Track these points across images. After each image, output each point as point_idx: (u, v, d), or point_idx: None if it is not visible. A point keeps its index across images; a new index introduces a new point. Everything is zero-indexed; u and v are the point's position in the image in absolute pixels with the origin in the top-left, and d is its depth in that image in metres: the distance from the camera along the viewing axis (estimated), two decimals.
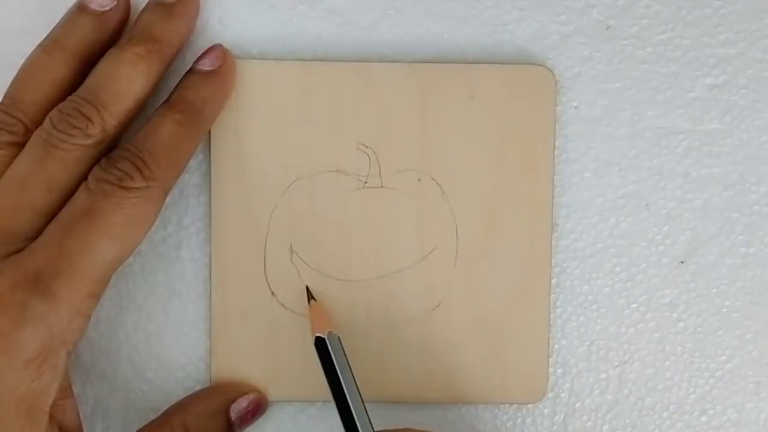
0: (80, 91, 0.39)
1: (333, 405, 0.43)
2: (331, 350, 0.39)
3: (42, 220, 0.37)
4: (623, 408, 0.44)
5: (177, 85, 0.40)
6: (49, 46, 0.39)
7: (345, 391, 0.38)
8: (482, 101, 0.42)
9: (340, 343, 0.39)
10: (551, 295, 0.43)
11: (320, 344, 0.39)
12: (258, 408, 0.42)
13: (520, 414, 0.43)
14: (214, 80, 0.40)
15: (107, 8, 0.40)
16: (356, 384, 0.39)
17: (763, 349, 0.44)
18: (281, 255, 0.42)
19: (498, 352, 0.42)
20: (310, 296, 0.42)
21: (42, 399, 0.36)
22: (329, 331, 0.39)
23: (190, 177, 0.42)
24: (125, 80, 0.39)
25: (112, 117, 0.38)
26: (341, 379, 0.38)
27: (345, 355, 0.39)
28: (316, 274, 0.42)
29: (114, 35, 0.40)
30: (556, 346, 0.44)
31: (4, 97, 0.39)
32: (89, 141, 0.38)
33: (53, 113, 0.38)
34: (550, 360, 0.43)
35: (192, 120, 0.39)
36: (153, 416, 0.41)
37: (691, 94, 0.43)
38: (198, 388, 0.43)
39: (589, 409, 0.44)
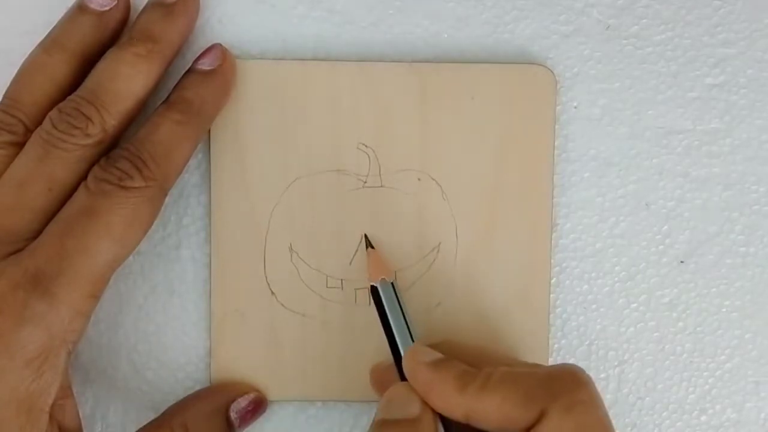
0: (80, 90, 0.39)
1: (333, 405, 0.43)
2: (382, 297, 0.40)
3: (42, 220, 0.37)
4: (623, 407, 0.44)
5: (176, 85, 0.40)
6: (49, 46, 0.39)
7: (395, 336, 0.39)
8: (482, 101, 0.42)
9: (394, 288, 0.40)
10: (551, 295, 0.43)
11: (374, 292, 0.40)
12: (258, 408, 0.42)
13: None
14: (213, 80, 0.40)
15: (107, 8, 0.40)
16: (409, 329, 0.39)
17: (762, 349, 0.44)
18: (281, 255, 0.42)
19: (498, 351, 0.42)
20: (368, 244, 0.42)
21: (42, 399, 0.36)
22: (382, 279, 0.40)
23: (190, 177, 0.42)
24: (125, 80, 0.39)
25: (112, 117, 0.38)
26: (392, 324, 0.39)
27: (398, 300, 0.40)
28: (316, 274, 0.42)
29: (114, 35, 0.40)
30: (556, 345, 0.44)
31: (4, 96, 0.39)
32: (89, 141, 0.38)
33: (53, 113, 0.38)
34: (550, 360, 0.43)
35: (191, 120, 0.39)
36: (153, 416, 0.41)
37: (691, 94, 0.43)
38: (198, 388, 0.43)
39: None
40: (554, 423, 0.34)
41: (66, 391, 0.39)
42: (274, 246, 0.42)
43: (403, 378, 0.38)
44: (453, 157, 0.42)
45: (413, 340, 0.39)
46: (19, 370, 0.36)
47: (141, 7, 0.40)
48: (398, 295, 0.40)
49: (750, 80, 0.43)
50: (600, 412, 0.35)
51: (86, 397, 0.43)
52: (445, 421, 0.37)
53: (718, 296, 0.44)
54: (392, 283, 0.40)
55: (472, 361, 0.37)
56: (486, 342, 0.42)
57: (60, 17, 0.40)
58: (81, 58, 0.39)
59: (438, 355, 0.38)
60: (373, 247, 0.42)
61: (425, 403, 0.37)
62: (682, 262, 0.44)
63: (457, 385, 0.36)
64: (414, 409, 0.36)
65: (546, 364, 0.39)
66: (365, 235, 0.42)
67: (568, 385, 0.35)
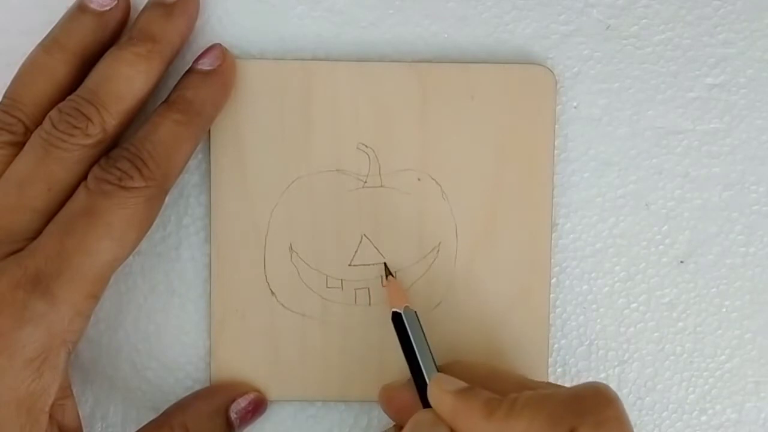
0: (80, 90, 0.39)
1: (333, 405, 0.43)
2: (407, 324, 0.40)
3: (42, 220, 0.38)
4: None
5: (176, 85, 0.40)
6: (49, 45, 0.39)
7: (420, 363, 0.39)
8: (482, 101, 0.42)
9: (417, 317, 0.40)
10: (551, 295, 0.43)
11: (396, 319, 0.40)
12: (258, 408, 0.42)
13: None
14: (213, 80, 0.40)
15: (107, 8, 0.40)
16: (432, 356, 0.39)
17: (762, 349, 0.44)
18: (281, 254, 0.42)
19: (498, 351, 0.42)
20: (388, 272, 0.42)
21: (42, 399, 0.36)
22: (405, 306, 0.40)
23: (190, 177, 0.42)
24: (125, 80, 0.39)
25: (111, 117, 0.38)
26: (417, 352, 0.39)
27: (421, 328, 0.40)
28: (316, 274, 0.42)
29: (114, 35, 0.40)
30: (556, 345, 0.44)
31: (4, 96, 0.39)
32: (89, 141, 0.38)
33: (53, 113, 0.38)
34: (550, 360, 0.43)
35: (191, 120, 0.39)
36: (153, 416, 0.41)
37: (691, 93, 0.43)
38: (198, 388, 0.43)
39: None
40: None
41: (66, 391, 0.39)
42: (274, 246, 0.42)
43: (425, 404, 0.38)
44: (453, 157, 0.42)
45: (437, 368, 0.39)
46: (18, 370, 0.36)
47: (141, 7, 0.40)
48: (420, 323, 0.40)
49: (750, 80, 0.43)
50: (628, 428, 0.35)
51: (86, 397, 0.43)
52: None
53: (718, 296, 0.44)
54: (415, 312, 0.40)
55: (483, 381, 0.38)
56: (486, 343, 0.42)
57: (60, 17, 0.40)
58: (81, 58, 0.39)
59: (462, 383, 0.38)
60: (393, 276, 0.42)
61: (452, 430, 0.37)
62: (682, 262, 0.44)
63: (483, 412, 0.36)
64: None
65: (557, 383, 0.39)
66: (385, 264, 0.42)
67: (595, 403, 0.35)
